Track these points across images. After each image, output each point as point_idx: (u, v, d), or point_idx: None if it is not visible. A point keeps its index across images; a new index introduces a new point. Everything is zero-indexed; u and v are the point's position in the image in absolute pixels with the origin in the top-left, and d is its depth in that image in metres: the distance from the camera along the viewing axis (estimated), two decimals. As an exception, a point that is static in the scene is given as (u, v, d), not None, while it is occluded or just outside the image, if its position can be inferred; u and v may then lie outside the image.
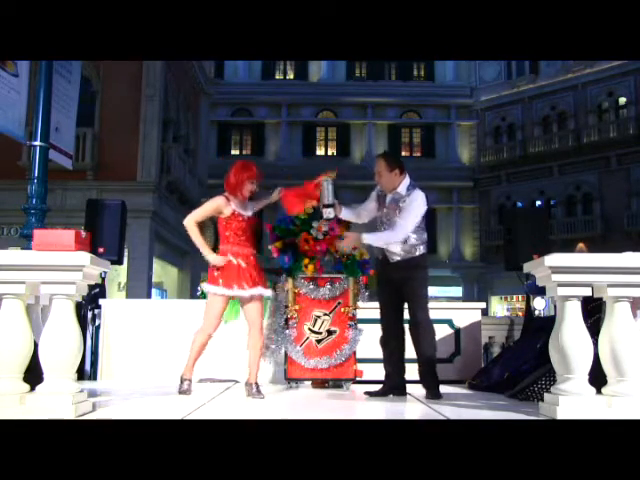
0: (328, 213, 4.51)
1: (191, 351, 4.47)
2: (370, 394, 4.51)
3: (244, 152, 27.83)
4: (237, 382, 5.37)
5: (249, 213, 4.52)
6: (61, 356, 3.18)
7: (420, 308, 4.46)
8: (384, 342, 4.60)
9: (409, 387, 4.60)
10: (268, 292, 4.57)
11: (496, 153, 26.76)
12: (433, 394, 4.35)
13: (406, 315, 4.55)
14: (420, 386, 4.50)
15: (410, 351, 4.51)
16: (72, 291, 3.23)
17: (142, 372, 5.62)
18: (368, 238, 4.44)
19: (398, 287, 4.48)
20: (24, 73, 6.15)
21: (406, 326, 4.54)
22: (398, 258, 4.49)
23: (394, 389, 4.53)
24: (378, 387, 4.58)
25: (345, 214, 4.64)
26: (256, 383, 4.41)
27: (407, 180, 4.54)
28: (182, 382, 4.48)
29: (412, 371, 4.53)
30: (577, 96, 24.74)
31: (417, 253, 4.48)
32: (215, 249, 4.53)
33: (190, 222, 4.43)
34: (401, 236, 4.42)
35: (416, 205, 4.43)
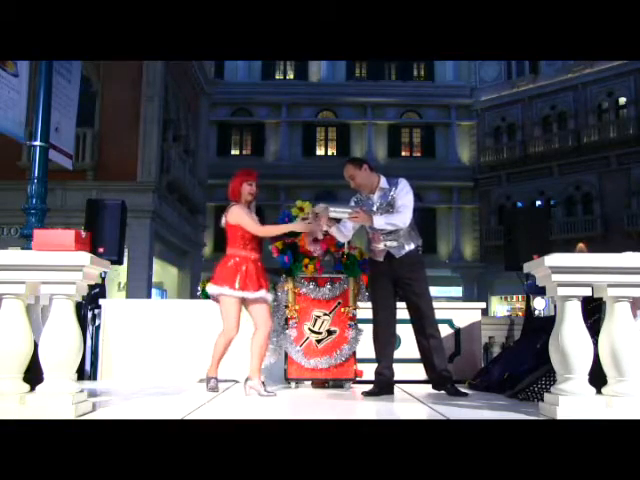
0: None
1: (214, 352, 4.55)
2: (366, 394, 4.51)
3: (244, 152, 27.84)
4: (237, 382, 5.38)
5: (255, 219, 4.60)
6: (61, 356, 3.18)
7: (432, 319, 4.46)
8: (385, 339, 4.58)
9: (409, 387, 4.60)
10: (270, 296, 4.65)
11: (496, 153, 26.77)
12: (459, 393, 4.39)
13: (405, 314, 4.55)
14: (419, 386, 4.50)
15: (410, 351, 4.50)
16: (72, 291, 3.23)
17: (142, 372, 5.62)
18: (378, 220, 4.37)
19: (401, 285, 4.48)
20: (24, 73, 6.15)
21: (405, 326, 4.54)
22: (404, 251, 4.48)
23: (388, 387, 4.54)
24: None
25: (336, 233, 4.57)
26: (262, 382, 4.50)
27: (381, 175, 4.56)
28: (208, 381, 4.56)
29: (412, 371, 4.52)
30: (577, 96, 24.75)
31: (414, 246, 4.50)
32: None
33: (264, 231, 4.59)
34: (407, 218, 4.41)
35: (408, 189, 4.47)
